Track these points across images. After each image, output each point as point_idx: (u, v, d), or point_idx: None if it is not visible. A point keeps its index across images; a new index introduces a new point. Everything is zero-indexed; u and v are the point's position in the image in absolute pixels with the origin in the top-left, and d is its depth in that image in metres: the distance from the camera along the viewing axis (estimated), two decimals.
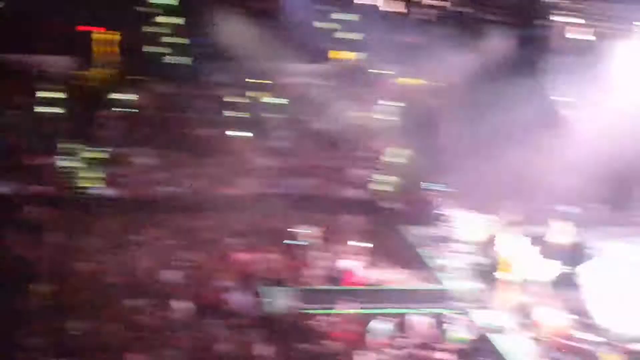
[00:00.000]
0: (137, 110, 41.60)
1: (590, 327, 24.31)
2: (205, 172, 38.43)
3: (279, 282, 28.46)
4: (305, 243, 31.57)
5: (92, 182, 36.81)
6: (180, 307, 25.51)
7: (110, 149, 38.36)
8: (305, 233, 32.36)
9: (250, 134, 42.42)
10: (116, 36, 42.70)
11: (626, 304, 24.71)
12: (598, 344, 23.37)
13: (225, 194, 37.50)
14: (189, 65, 44.19)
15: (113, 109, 41.03)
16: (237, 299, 26.43)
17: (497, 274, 29.17)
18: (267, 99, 44.88)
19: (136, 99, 41.99)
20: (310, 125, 43.81)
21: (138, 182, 36.93)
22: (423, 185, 37.52)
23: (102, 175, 37.18)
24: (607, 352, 23.85)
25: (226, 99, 43.86)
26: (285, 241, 31.82)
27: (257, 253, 30.27)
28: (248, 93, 44.47)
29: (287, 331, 24.25)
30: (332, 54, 46.14)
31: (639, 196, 35.83)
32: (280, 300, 26.26)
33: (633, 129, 33.37)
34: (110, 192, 36.43)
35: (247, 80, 44.66)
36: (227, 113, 43.35)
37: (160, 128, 40.67)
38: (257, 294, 27.20)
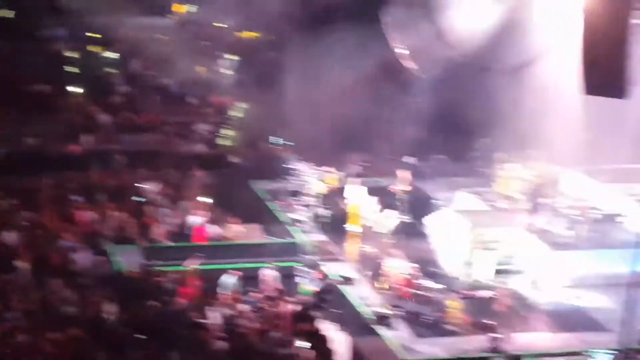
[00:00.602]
0: None
1: (435, 275, 24.83)
2: (44, 129, 37.24)
3: (125, 240, 27.96)
4: (152, 199, 31.09)
5: None
6: (23, 268, 24.72)
7: None
8: (151, 189, 31.88)
9: (89, 90, 41.41)
10: None
11: (468, 252, 25.35)
12: (443, 291, 23.90)
13: (66, 151, 36.53)
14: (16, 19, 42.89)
15: None
16: (82, 258, 25.79)
17: (345, 226, 29.46)
18: (107, 53, 43.93)
19: None
20: (153, 80, 43.17)
21: None
22: (269, 139, 37.44)
23: None
24: (452, 300, 24.41)
25: (64, 54, 42.72)
26: (131, 198, 31.25)
27: (102, 211, 29.59)
28: (87, 47, 43.46)
29: (135, 289, 23.82)
30: (174, 7, 45.51)
31: (480, 146, 36.67)
32: (127, 258, 25.78)
33: (470, 81, 34.03)
34: None
35: (85, 34, 43.62)
36: (65, 68, 42.20)
37: None
38: (102, 253, 26.62)
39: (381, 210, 27.54)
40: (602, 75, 19.54)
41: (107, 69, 43.78)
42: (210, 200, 32.46)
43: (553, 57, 30.12)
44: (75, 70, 42.54)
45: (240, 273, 25.02)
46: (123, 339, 20.12)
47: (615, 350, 19.93)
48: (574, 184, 30.90)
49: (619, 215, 27.29)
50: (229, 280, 24.90)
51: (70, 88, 40.91)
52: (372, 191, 30.17)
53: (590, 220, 26.46)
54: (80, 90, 41.14)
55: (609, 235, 26.83)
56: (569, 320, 23.87)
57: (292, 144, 36.49)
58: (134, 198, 31.30)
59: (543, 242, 26.56)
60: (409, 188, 30.26)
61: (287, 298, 23.96)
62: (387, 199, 30.49)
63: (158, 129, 39.24)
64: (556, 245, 26.07)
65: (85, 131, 38.13)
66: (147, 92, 42.19)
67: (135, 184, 32.55)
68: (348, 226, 29.48)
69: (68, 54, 42.49)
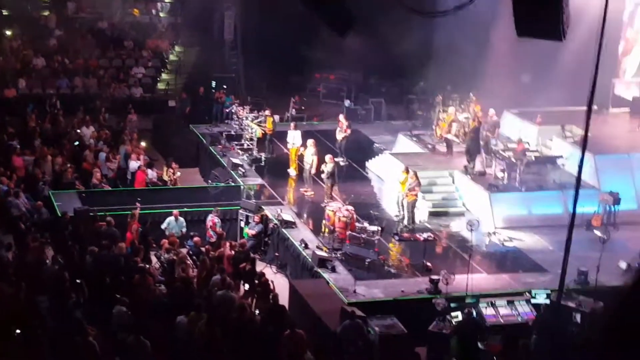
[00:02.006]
0: None
1: (374, 218, 24.99)
2: None
3: (63, 185, 27.74)
4: (89, 144, 30.83)
5: None
6: None
7: None
8: (91, 133, 31.61)
9: (23, 33, 40.74)
10: None
11: (407, 195, 25.53)
12: (382, 234, 24.07)
13: (1, 96, 36.03)
14: None
15: None
16: (20, 203, 25.54)
17: (287, 170, 29.54)
18: None
19: None
20: (88, 23, 42.58)
21: None
22: (207, 83, 37.24)
23: None
24: (391, 242, 24.66)
25: None
26: (68, 143, 30.96)
27: (39, 156, 29.28)
28: None
29: (73, 234, 23.69)
30: None
31: (417, 90, 36.87)
32: (65, 203, 25.57)
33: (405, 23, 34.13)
34: None
35: None
36: None
37: None
38: (41, 198, 26.38)
39: (319, 154, 27.58)
40: (537, 16, 19.64)
41: (41, 12, 43.08)
42: (148, 145, 32.35)
43: None
44: (8, 13, 41.77)
45: (177, 212, 25.01)
46: (63, 284, 20.03)
47: (553, 290, 20.28)
48: (510, 126, 31.26)
49: (554, 157, 27.66)
50: (172, 224, 24.90)
51: (3, 31, 40.20)
52: (310, 135, 30.22)
53: (526, 162, 26.78)
54: (14, 33, 40.45)
55: (545, 177, 27.22)
56: (508, 261, 24.26)
57: (227, 87, 36.33)
58: (71, 143, 31.01)
59: (480, 184, 26.88)
60: (347, 132, 30.34)
61: (227, 241, 24.03)
62: (326, 143, 30.60)
63: (94, 73, 38.81)
64: (493, 187, 26.41)
65: (20, 75, 37.59)
66: (82, 36, 41.63)
67: (73, 129, 32.24)
68: (288, 170, 29.58)
69: None
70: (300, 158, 28.79)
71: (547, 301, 20.66)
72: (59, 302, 19.12)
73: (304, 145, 28.69)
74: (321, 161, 27.05)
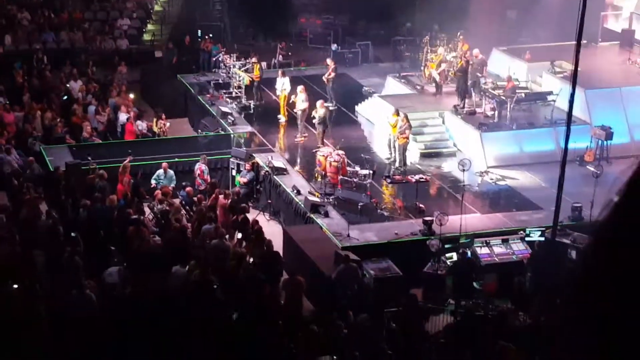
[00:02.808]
0: None
1: (366, 162, 24.96)
2: None
3: (54, 140, 27.65)
4: (78, 98, 30.68)
5: None
6: None
7: None
8: (79, 87, 31.44)
9: None
10: None
11: (397, 137, 25.47)
12: (374, 177, 24.04)
13: None
14: None
15: None
16: (11, 159, 25.46)
17: (277, 117, 29.45)
18: None
19: None
20: None
21: None
22: (192, 32, 36.99)
23: None
24: (383, 185, 24.68)
25: None
26: (57, 97, 30.82)
27: (29, 111, 29.15)
28: None
29: (66, 188, 23.66)
30: None
31: (403, 31, 36.68)
32: (56, 158, 25.51)
33: None
34: None
35: None
36: None
37: None
38: (32, 154, 26.30)
39: (309, 100, 27.48)
40: None
41: None
42: (137, 96, 32.20)
43: None
44: None
45: (165, 165, 24.92)
46: (57, 237, 20.06)
47: (548, 227, 20.32)
48: (498, 64, 31.13)
49: (544, 93, 27.60)
50: (163, 175, 24.85)
51: None
52: (299, 81, 30.05)
53: (516, 99, 26.71)
54: None
55: (535, 113, 27.19)
56: (501, 200, 24.30)
57: (213, 36, 36.08)
58: (60, 97, 30.87)
59: (470, 124, 26.83)
60: (332, 74, 30.20)
61: (219, 190, 24.03)
62: (314, 88, 30.46)
63: (79, 27, 38.49)
64: (483, 126, 26.35)
65: (5, 31, 37.25)
66: None
67: (61, 83, 32.06)
68: (278, 117, 29.49)
69: None
70: (291, 105, 28.64)
71: (542, 239, 20.73)
72: (55, 256, 19.15)
73: (293, 91, 28.56)
74: (312, 107, 26.95)
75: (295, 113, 28.07)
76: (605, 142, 25.68)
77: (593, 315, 1.65)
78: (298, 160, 26.74)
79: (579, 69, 19.04)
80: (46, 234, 20.30)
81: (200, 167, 25.08)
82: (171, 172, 25.12)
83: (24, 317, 16.49)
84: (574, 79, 19.00)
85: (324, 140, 26.82)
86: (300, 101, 27.61)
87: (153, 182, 24.83)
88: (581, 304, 1.69)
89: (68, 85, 31.61)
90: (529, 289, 19.63)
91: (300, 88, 27.94)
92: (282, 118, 29.42)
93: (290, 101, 28.54)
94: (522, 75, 29.39)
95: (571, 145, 20.02)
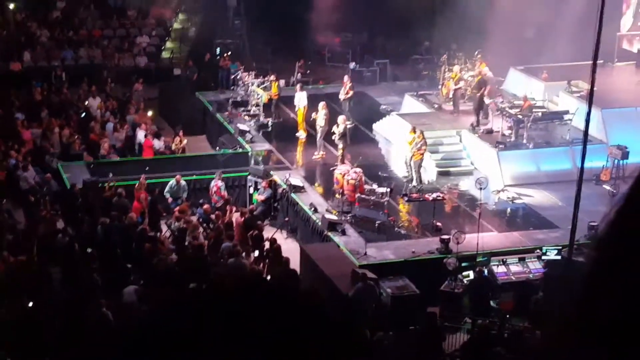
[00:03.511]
0: None
1: (383, 179, 24.98)
2: None
3: (72, 157, 27.78)
4: (96, 115, 30.85)
5: None
6: None
7: None
8: (97, 104, 31.60)
9: (27, 6, 40.63)
10: None
11: (415, 155, 25.47)
12: (391, 195, 24.03)
13: (7, 69, 36.03)
14: None
15: None
16: (30, 176, 25.60)
17: (296, 134, 29.50)
18: None
19: None
20: None
21: None
22: (211, 50, 37.16)
23: None
24: (400, 203, 24.69)
25: None
26: (75, 114, 30.98)
27: (47, 128, 29.32)
28: None
29: (84, 206, 23.75)
30: None
31: (422, 49, 36.73)
32: (74, 175, 25.63)
33: None
34: None
35: None
36: None
37: None
38: (50, 170, 26.43)
39: (327, 117, 27.50)
40: None
41: None
42: (155, 114, 32.35)
43: None
44: None
45: (179, 176, 24.89)
46: (75, 255, 20.14)
47: (564, 246, 20.27)
48: (515, 83, 31.14)
49: (561, 112, 27.58)
50: (179, 190, 24.92)
51: (7, 4, 40.07)
52: (317, 98, 30.09)
53: (533, 118, 26.69)
54: (17, 6, 40.33)
55: (552, 133, 27.17)
56: (517, 218, 24.27)
57: (232, 53, 36.23)
58: (78, 114, 31.04)
59: (487, 142, 26.82)
60: (349, 93, 30.24)
61: (236, 208, 24.08)
62: (332, 106, 30.50)
63: (98, 44, 38.75)
64: (500, 145, 26.34)
65: (24, 48, 37.54)
66: (85, 6, 41.52)
67: (79, 100, 32.26)
68: (297, 133, 29.54)
69: None
70: (312, 122, 28.60)
71: (559, 257, 20.68)
72: (71, 273, 19.21)
73: (312, 106, 28.61)
74: (332, 123, 26.98)
75: (316, 129, 28.00)
76: (621, 162, 25.61)
77: (598, 331, 1.67)
78: (316, 178, 26.78)
79: (595, 88, 19.03)
80: (62, 250, 20.37)
81: (217, 183, 25.14)
82: (183, 182, 25.16)
83: (39, 333, 16.53)
84: (590, 98, 18.99)
85: (343, 157, 26.77)
86: (321, 118, 27.52)
87: (167, 195, 24.92)
88: (586, 320, 1.71)
89: (86, 102, 31.79)
90: (544, 307, 19.57)
91: (321, 104, 27.91)
92: (302, 134, 29.43)
93: (312, 118, 28.49)
94: (539, 94, 29.39)
95: (587, 164, 19.98)
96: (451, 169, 26.95)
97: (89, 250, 20.26)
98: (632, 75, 31.46)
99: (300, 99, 29.55)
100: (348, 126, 28.68)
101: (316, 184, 26.16)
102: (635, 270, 1.57)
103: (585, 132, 19.35)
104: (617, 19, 31.64)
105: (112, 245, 21.01)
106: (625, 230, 1.63)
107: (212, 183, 25.25)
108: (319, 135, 27.85)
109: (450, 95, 30.07)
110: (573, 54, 28.51)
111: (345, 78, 31.19)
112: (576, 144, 24.49)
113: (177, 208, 23.71)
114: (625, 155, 25.46)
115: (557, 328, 1.84)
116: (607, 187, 24.50)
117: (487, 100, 28.01)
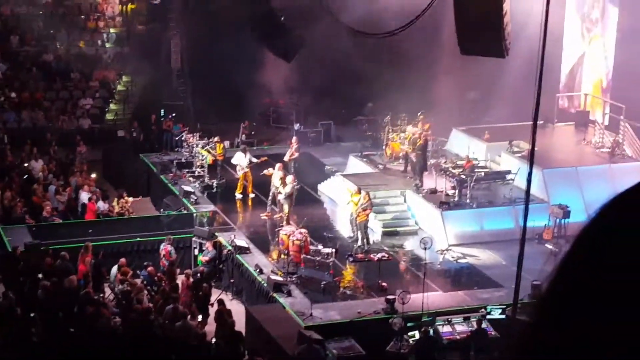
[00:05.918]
0: None
1: (328, 240, 25.03)
2: None
3: (13, 220, 27.45)
4: (38, 177, 30.57)
5: None
6: None
7: None
8: (40, 166, 31.33)
9: None
10: None
11: (360, 216, 25.58)
12: (336, 255, 24.05)
13: None
14: None
15: None
16: None
17: (235, 195, 29.50)
18: None
19: None
20: (34, 56, 42.26)
21: None
22: (155, 112, 37.13)
23: None
24: (346, 263, 24.70)
25: None
26: (17, 176, 30.67)
27: None
28: None
29: (25, 269, 23.43)
30: None
31: (365, 111, 37.05)
32: (15, 238, 25.31)
33: (349, 46, 34.25)
34: None
35: None
36: None
37: None
38: None
39: (272, 176, 27.55)
40: (479, 35, 19.75)
41: None
42: (99, 176, 32.13)
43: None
44: None
45: (124, 260, 24.44)
46: (16, 319, 19.81)
47: (508, 305, 20.41)
48: (458, 144, 31.50)
49: (503, 172, 27.90)
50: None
51: None
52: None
53: (475, 178, 26.97)
54: None
55: (495, 192, 27.45)
56: (462, 278, 24.42)
57: (176, 115, 36.25)
58: (20, 177, 30.72)
59: (431, 202, 27.02)
60: (295, 154, 30.39)
61: (181, 270, 23.92)
62: (285, 166, 30.57)
63: (40, 106, 38.54)
64: (444, 205, 26.55)
65: None
66: (27, 69, 41.33)
67: (21, 163, 31.96)
68: (238, 195, 29.53)
69: None
70: (250, 182, 28.69)
71: (503, 316, 20.82)
72: (12, 338, 18.89)
73: (250, 168, 28.85)
74: (273, 185, 27.07)
75: (272, 190, 27.90)
76: (563, 221, 25.91)
77: None
78: (261, 239, 26.71)
79: (536, 148, 19.35)
80: (3, 314, 20.03)
81: (166, 247, 24.97)
82: (121, 264, 24.82)
83: None
84: (531, 158, 19.29)
85: (288, 218, 26.77)
86: (278, 179, 27.46)
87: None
88: None
89: (27, 165, 31.50)
90: None
91: (277, 166, 27.99)
92: (238, 195, 29.50)
93: (252, 179, 28.53)
94: (481, 154, 29.71)
95: (530, 223, 20.22)
96: (396, 229, 27.07)
97: (31, 314, 19.95)
98: (572, 135, 32.00)
99: (239, 159, 29.59)
100: (295, 187, 28.76)
101: (261, 245, 26.06)
102: (575, 329, 1.60)
103: (527, 192, 19.62)
104: (556, 80, 32.25)
105: (54, 309, 20.70)
106: (565, 291, 1.66)
107: (162, 246, 25.08)
108: (274, 195, 27.73)
109: (394, 156, 30.33)
110: (514, 114, 28.96)
111: (294, 139, 31.34)
112: (518, 203, 24.79)
113: (119, 271, 23.41)
114: (566, 214, 25.77)
115: None
116: (550, 246, 24.77)
117: (435, 160, 28.36)
